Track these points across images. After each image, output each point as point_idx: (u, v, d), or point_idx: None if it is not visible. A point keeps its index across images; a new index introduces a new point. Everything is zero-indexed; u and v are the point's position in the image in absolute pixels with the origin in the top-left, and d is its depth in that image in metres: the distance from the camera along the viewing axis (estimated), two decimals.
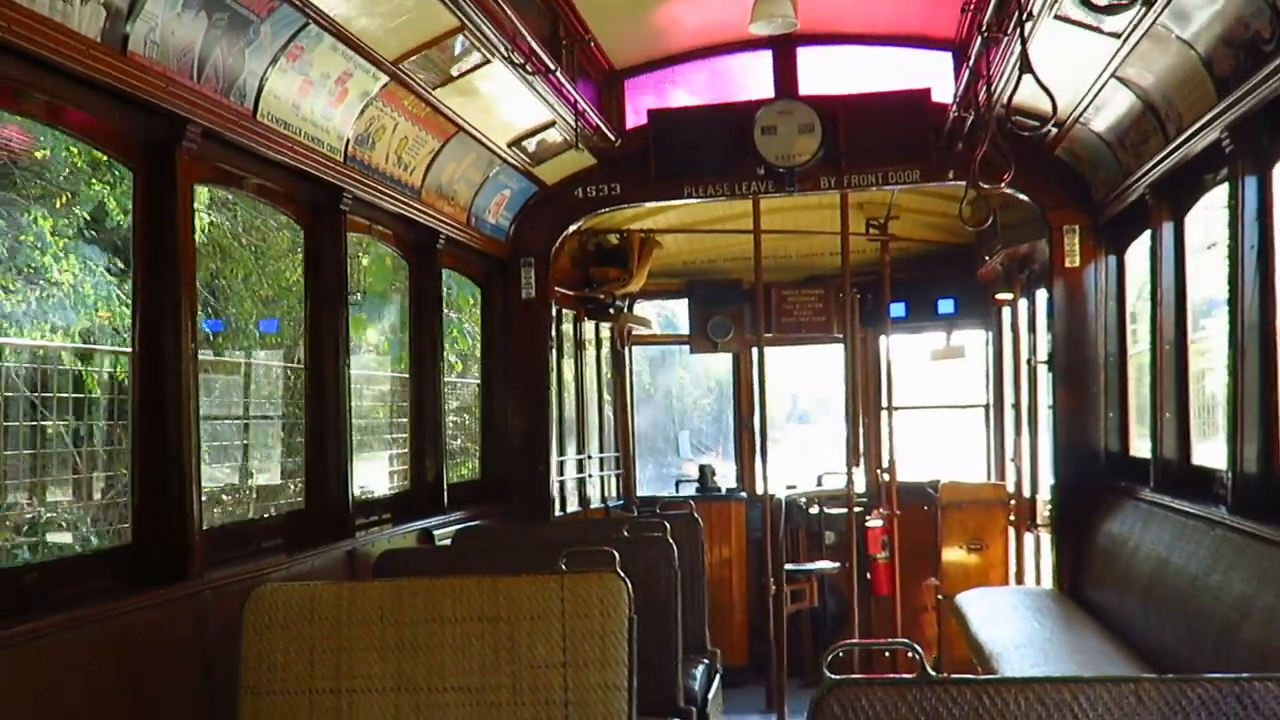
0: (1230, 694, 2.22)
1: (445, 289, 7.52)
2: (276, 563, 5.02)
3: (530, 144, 7.29)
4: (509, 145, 7.16)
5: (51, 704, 3.52)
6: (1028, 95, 5.14)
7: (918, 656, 2.43)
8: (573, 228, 8.49)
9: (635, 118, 8.19)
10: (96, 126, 4.21)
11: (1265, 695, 2.21)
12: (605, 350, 11.17)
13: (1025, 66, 4.85)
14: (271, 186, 5.42)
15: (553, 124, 7.04)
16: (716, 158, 7.87)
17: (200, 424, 4.56)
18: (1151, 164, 6.12)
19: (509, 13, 5.32)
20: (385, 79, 5.57)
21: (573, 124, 6.95)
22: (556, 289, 8.78)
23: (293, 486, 5.80)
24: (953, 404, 12.17)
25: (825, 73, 8.04)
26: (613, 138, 7.60)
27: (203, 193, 7.78)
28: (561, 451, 9.31)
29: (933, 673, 2.31)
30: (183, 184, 4.39)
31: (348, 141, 5.67)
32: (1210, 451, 6.06)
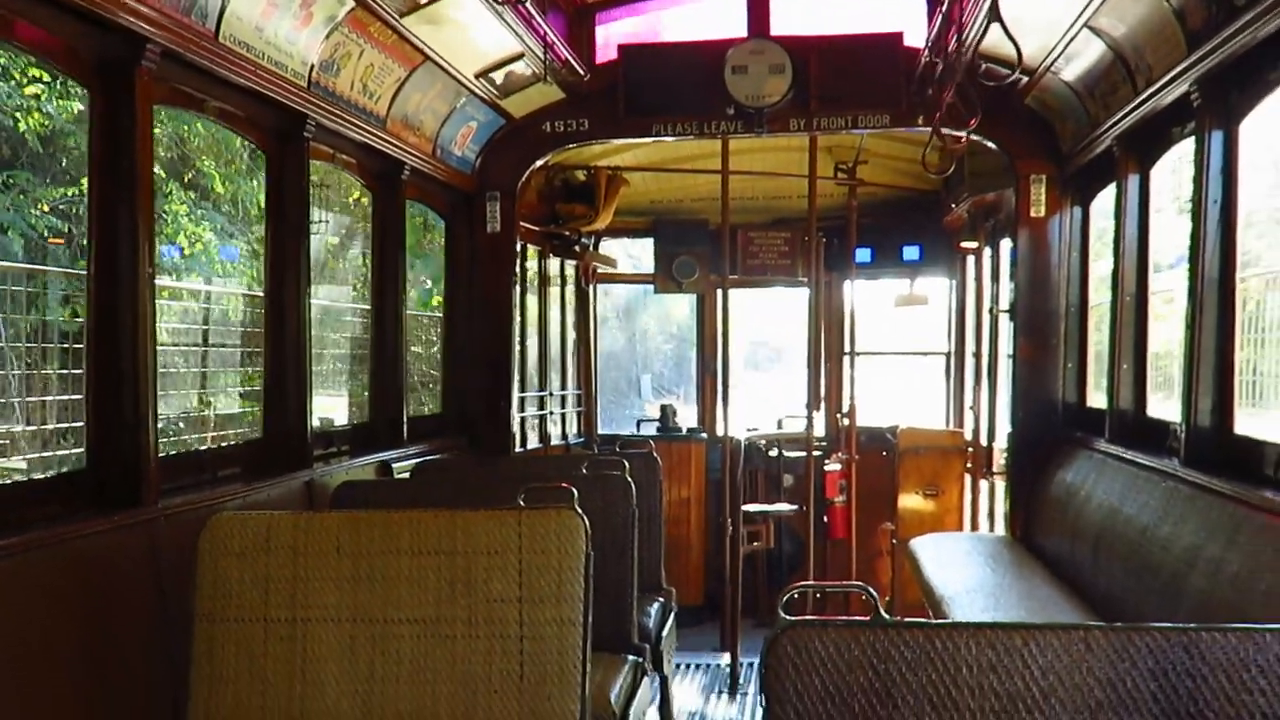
0: (1178, 643, 2.26)
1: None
2: (233, 491, 4.99)
3: (498, 76, 7.19)
4: (476, 76, 7.07)
5: (7, 625, 3.49)
6: (999, 42, 5.11)
7: (872, 600, 2.46)
8: (540, 162, 8.41)
9: (605, 53, 8.09)
10: (52, 43, 4.11)
11: (1211, 645, 2.24)
12: (570, 288, 11.13)
13: (994, 14, 4.82)
14: (234, 111, 5.33)
15: (521, 56, 6.94)
16: (686, 96, 7.80)
17: (157, 350, 4.51)
18: (1120, 115, 6.12)
19: None
20: (351, 4, 5.47)
21: (541, 56, 6.86)
22: (522, 224, 8.71)
23: (251, 416, 5.76)
24: (914, 351, 12.25)
25: (798, 13, 7.96)
26: (582, 72, 7.51)
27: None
28: (523, 388, 9.29)
29: (886, 616, 2.33)
30: (141, 105, 4.30)
31: (312, 67, 5.58)
32: (1165, 405, 6.13)
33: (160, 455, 4.52)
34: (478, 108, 7.56)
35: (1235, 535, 4.40)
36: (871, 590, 2.51)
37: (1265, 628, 2.25)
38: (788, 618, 2.34)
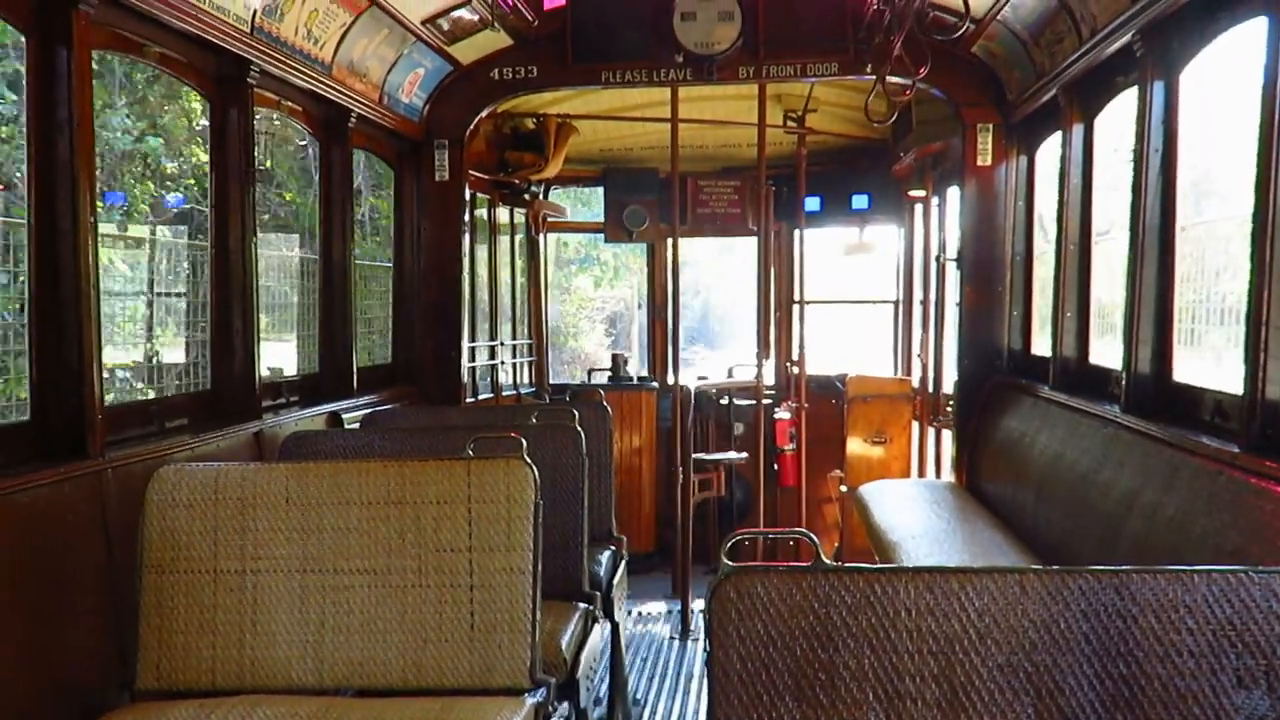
0: (1110, 585, 2.32)
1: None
2: (181, 443, 4.96)
3: (445, 21, 7.12)
4: (423, 22, 6.99)
5: None
6: None
7: (814, 545, 2.50)
8: (488, 110, 8.35)
9: None
10: None
11: (1141, 586, 2.31)
12: (520, 236, 11.09)
13: None
14: (175, 56, 5.24)
15: (468, 1, 6.88)
16: (635, 43, 7.76)
17: (100, 299, 4.46)
18: (1065, 65, 6.17)
19: None
20: None
21: (488, 1, 6.79)
22: (471, 172, 8.66)
23: (199, 367, 5.72)
24: (863, 300, 12.34)
25: None
26: (530, 17, 7.45)
27: None
28: (474, 337, 9.28)
29: (828, 561, 2.37)
30: (79, 49, 4.22)
31: (255, 12, 5.49)
32: (1107, 351, 6.23)
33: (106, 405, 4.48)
34: (425, 54, 7.48)
35: (1172, 480, 4.50)
36: (813, 537, 2.56)
37: (1193, 569, 2.31)
38: (730, 564, 2.38)
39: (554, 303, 16.46)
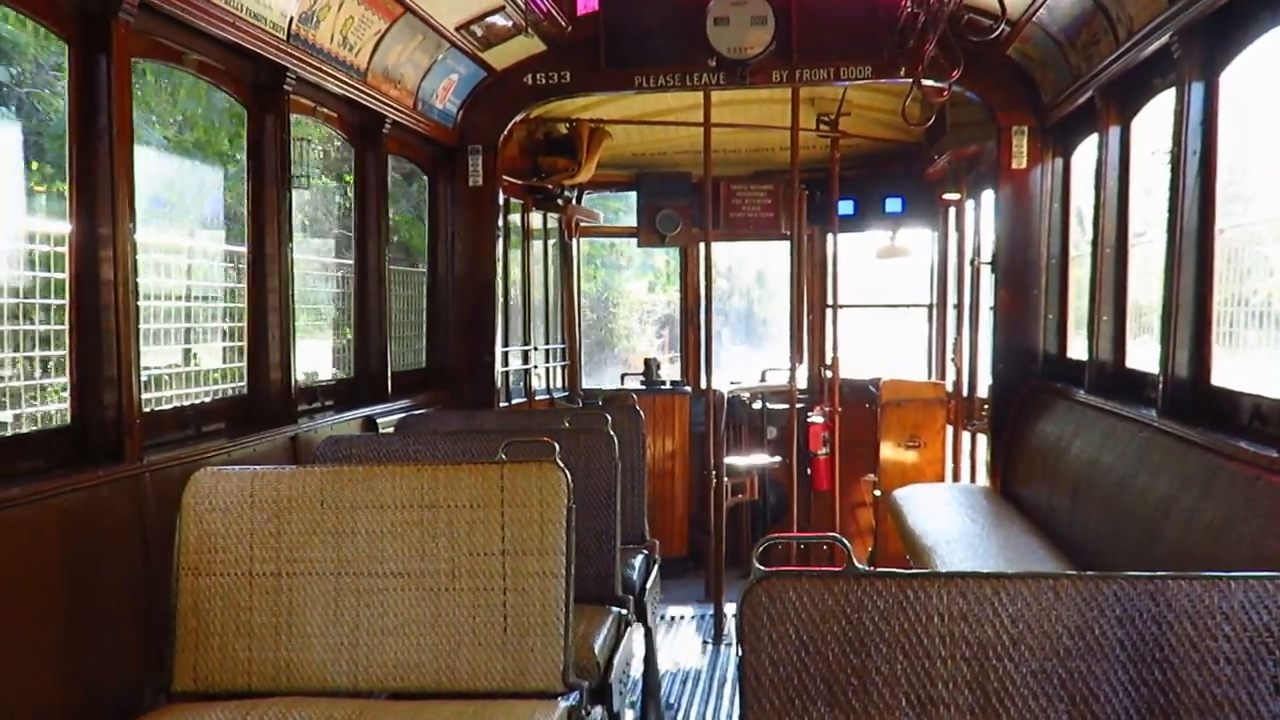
0: (1145, 591, 2.30)
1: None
2: (218, 447, 5.01)
3: (479, 27, 7.15)
4: (457, 29, 7.02)
5: None
6: None
7: (846, 550, 2.50)
8: (521, 115, 8.37)
9: (587, 3, 8.02)
10: None
11: (1178, 593, 2.29)
12: (553, 241, 11.12)
13: None
14: (213, 64, 5.29)
15: (502, 8, 6.91)
16: (668, 48, 7.76)
17: (139, 305, 4.51)
18: (1101, 66, 6.12)
19: None
20: None
21: (522, 7, 6.82)
22: (504, 178, 8.69)
23: (236, 372, 5.77)
24: (897, 303, 12.29)
25: None
26: (563, 23, 7.47)
27: None
28: (507, 342, 9.31)
29: (860, 566, 2.37)
30: (120, 57, 4.27)
31: (291, 19, 5.54)
32: (1144, 354, 6.18)
33: (144, 411, 4.53)
34: (459, 60, 7.52)
35: (1210, 485, 4.45)
36: (845, 541, 2.55)
37: (1231, 575, 2.29)
38: (762, 568, 2.38)
39: (606, 307, 16.58)
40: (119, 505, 4.21)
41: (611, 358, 19.47)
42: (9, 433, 4.24)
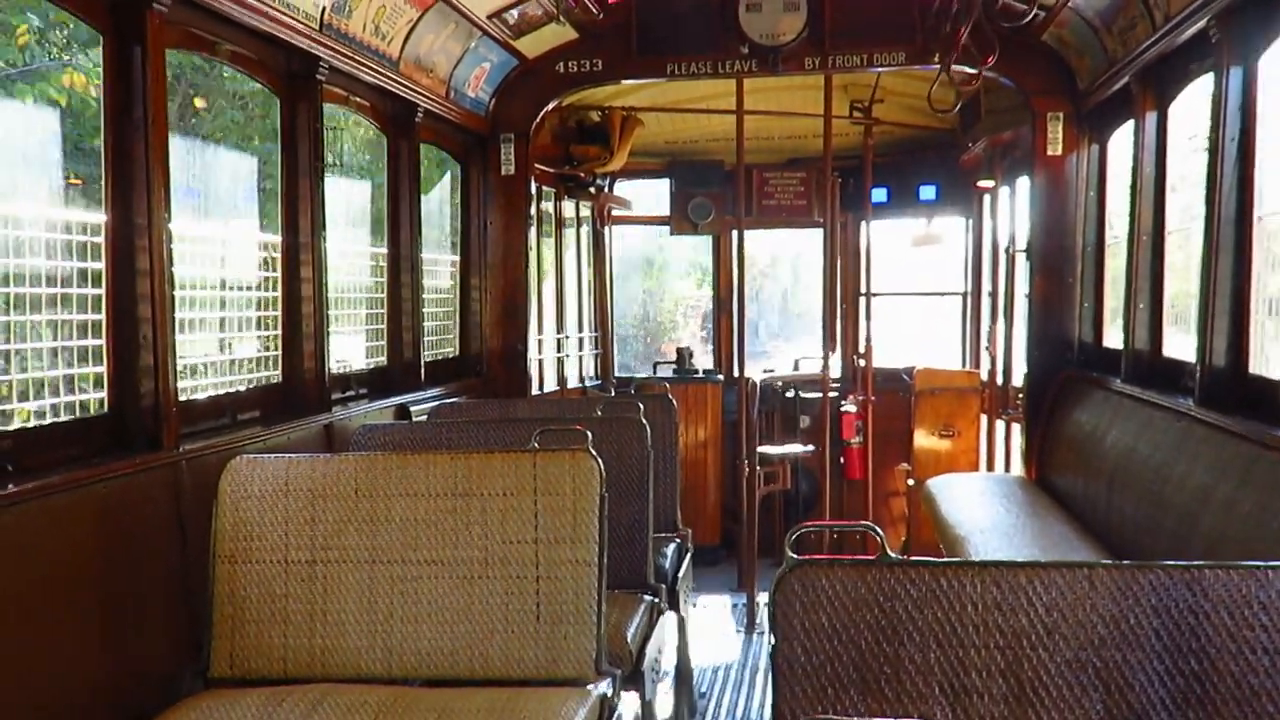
0: (1181, 581, 2.29)
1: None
2: (253, 435, 5.04)
3: (511, 15, 7.15)
4: (489, 17, 7.03)
5: (34, 566, 3.56)
6: None
7: (879, 539, 2.49)
8: (553, 104, 8.38)
9: None
10: None
11: (1214, 582, 2.27)
12: (585, 229, 11.12)
13: None
14: (246, 54, 5.32)
15: None
16: (700, 35, 7.74)
17: (175, 294, 4.54)
18: (1138, 51, 6.05)
19: None
20: None
21: None
22: (536, 166, 8.70)
23: (270, 360, 5.80)
24: (930, 291, 12.22)
25: None
26: (594, 10, 7.46)
27: None
28: (540, 330, 9.33)
29: (893, 555, 2.36)
30: (154, 47, 4.30)
31: (324, 9, 5.55)
32: (1181, 342, 6.13)
33: (180, 399, 4.57)
34: (491, 48, 7.52)
35: (1248, 474, 4.41)
36: (878, 530, 2.54)
37: (1269, 565, 2.27)
38: (795, 556, 2.38)
39: (655, 301, 16.71)
40: (156, 493, 4.24)
41: (658, 352, 19.77)
42: (48, 421, 4.28)
